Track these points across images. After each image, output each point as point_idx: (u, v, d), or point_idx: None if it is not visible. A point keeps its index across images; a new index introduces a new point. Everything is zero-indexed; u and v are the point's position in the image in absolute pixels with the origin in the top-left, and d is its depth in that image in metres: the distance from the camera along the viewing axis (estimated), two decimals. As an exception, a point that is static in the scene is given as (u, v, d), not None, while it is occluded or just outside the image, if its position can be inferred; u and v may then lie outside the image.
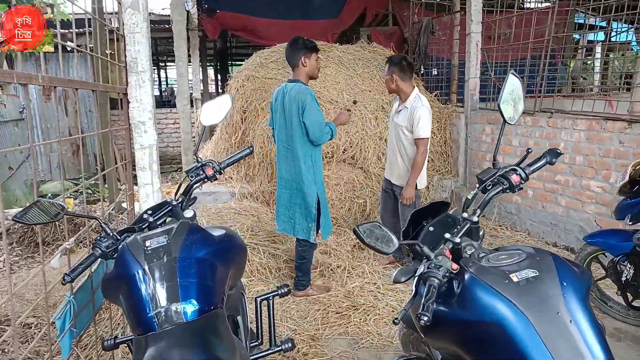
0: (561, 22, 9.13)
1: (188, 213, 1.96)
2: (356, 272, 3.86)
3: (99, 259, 1.74)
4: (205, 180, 2.01)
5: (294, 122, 3.32)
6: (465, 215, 1.66)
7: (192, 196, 2.04)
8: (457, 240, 1.53)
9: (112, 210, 6.71)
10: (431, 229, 1.69)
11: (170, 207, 1.92)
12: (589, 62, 12.92)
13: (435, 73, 7.97)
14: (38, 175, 8.22)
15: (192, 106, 11.12)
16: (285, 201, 3.52)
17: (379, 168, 5.65)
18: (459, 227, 1.62)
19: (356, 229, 1.41)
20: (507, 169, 1.69)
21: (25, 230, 5.10)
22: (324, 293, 3.60)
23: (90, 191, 8.01)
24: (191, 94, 12.70)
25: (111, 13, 11.83)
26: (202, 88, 15.74)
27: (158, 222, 1.90)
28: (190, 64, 8.74)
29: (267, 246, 4.01)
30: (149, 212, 1.93)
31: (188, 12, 9.77)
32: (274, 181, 5.49)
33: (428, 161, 6.16)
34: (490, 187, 1.73)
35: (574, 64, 10.87)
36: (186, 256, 1.57)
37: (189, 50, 10.42)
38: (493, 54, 6.43)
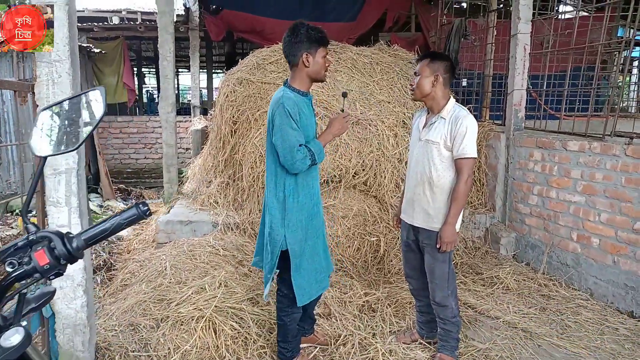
0: (610, 31, 8.04)
1: (8, 338, 0.90)
2: (365, 353, 2.76)
3: None
4: (37, 276, 0.94)
5: (267, 139, 2.49)
6: None
7: (23, 298, 0.99)
8: None
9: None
10: None
11: None
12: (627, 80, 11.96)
13: (465, 84, 6.89)
14: (9, 188, 7.29)
15: (190, 114, 10.21)
16: (260, 233, 2.63)
17: (397, 198, 4.55)
18: None
19: None
20: None
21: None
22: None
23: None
24: (189, 101, 11.81)
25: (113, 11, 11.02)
26: (205, 95, 14.80)
27: None
28: (181, 70, 7.78)
29: (245, 310, 2.93)
30: None
31: (188, 9, 8.90)
32: (267, 210, 4.43)
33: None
34: None
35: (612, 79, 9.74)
36: None
37: (188, 53, 9.54)
38: (530, 64, 5.35)
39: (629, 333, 3.19)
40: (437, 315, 2.76)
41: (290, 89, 2.42)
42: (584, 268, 3.82)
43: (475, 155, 2.56)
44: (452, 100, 2.66)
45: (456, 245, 2.59)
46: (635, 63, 12.17)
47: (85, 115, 1.06)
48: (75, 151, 2.14)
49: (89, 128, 1.06)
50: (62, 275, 0.96)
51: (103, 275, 4.72)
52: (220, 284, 3.06)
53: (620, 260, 3.51)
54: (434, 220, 2.64)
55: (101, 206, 7.78)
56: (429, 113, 2.72)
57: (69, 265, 0.97)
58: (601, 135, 3.75)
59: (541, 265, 4.20)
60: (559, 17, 7.17)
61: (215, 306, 2.86)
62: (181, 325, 2.81)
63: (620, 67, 6.61)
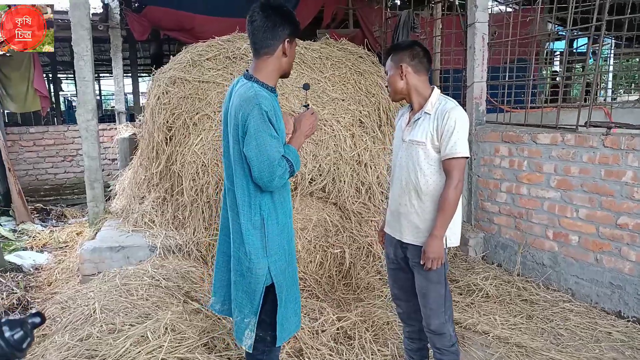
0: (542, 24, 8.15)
1: None
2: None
3: None
4: None
5: (233, 148, 1.90)
6: None
7: None
8: None
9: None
10: None
11: None
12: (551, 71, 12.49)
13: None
14: None
15: (114, 121, 9.29)
16: (222, 267, 2.10)
17: (359, 204, 4.15)
18: None
19: None
20: None
21: None
22: None
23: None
24: (113, 107, 10.84)
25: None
26: (131, 101, 13.74)
27: None
28: (103, 75, 6.96)
29: (201, 357, 2.36)
30: None
31: (107, 5, 8.05)
32: (215, 227, 3.86)
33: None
34: None
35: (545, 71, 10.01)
36: None
37: (110, 55, 8.64)
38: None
39: (624, 337, 2.96)
40: (432, 345, 2.35)
41: (259, 84, 1.88)
42: (562, 267, 3.60)
43: (468, 155, 2.16)
44: (437, 91, 2.26)
45: (442, 261, 2.18)
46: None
47: None
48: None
49: None
50: None
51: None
52: (167, 328, 2.46)
53: (603, 258, 3.30)
54: (425, 234, 2.21)
55: (14, 230, 6.76)
56: (411, 110, 2.31)
57: None
58: (574, 127, 3.54)
59: (515, 266, 3.95)
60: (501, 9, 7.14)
61: (162, 359, 2.27)
62: (119, 388, 2.20)
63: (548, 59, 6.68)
